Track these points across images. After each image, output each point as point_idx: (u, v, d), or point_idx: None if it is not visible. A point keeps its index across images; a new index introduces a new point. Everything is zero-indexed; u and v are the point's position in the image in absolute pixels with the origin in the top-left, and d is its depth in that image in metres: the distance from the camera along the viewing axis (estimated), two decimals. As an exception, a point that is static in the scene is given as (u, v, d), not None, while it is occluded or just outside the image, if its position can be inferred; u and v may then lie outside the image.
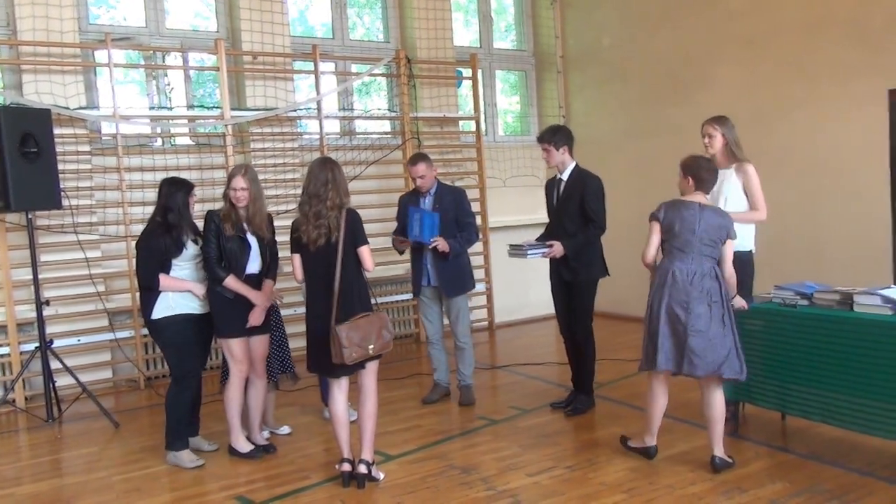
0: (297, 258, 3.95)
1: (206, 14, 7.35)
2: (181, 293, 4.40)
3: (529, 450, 4.45)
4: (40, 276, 5.76)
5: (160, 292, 4.35)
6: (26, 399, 5.93)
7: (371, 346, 3.80)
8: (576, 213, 5.03)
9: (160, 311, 4.36)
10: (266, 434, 4.87)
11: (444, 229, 5.16)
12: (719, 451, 3.95)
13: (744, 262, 4.58)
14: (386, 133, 8.03)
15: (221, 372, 4.76)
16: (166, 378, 6.48)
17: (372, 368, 3.98)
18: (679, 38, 7.50)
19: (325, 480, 4.10)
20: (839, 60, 6.10)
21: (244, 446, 4.52)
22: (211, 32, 7.23)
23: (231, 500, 3.92)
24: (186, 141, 7.06)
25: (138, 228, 6.32)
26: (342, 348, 3.68)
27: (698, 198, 4.05)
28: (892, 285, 4.20)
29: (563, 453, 4.35)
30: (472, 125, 8.40)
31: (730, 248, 4.03)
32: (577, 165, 5.16)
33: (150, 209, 6.18)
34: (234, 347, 4.38)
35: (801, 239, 6.34)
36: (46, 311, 5.65)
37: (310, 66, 7.44)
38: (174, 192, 4.43)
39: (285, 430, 4.99)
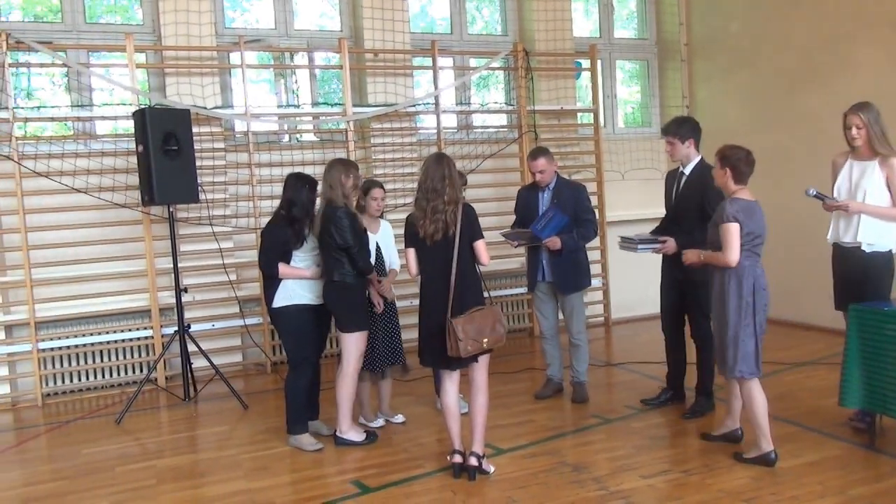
0: (411, 252, 4.04)
1: (331, 14, 7.61)
2: (300, 283, 4.61)
3: (644, 451, 4.35)
4: (179, 265, 6.22)
5: (280, 281, 4.58)
6: (166, 379, 6.40)
7: (485, 340, 3.84)
8: (694, 209, 4.83)
9: (280, 299, 4.60)
10: (381, 422, 5.03)
11: (562, 228, 5.12)
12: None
13: (884, 262, 4.28)
14: (502, 126, 8.05)
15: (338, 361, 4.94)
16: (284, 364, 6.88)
17: (484, 362, 4.02)
18: (817, 19, 7.03)
19: (437, 470, 4.19)
20: None
21: (356, 435, 4.67)
22: (335, 31, 7.48)
23: (347, 483, 4.08)
24: (311, 137, 7.37)
25: (267, 221, 6.76)
26: (458, 341, 3.74)
27: (746, 193, 4.03)
28: None
29: (679, 456, 4.23)
30: (590, 117, 8.25)
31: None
32: (702, 159, 4.96)
33: (278, 203, 6.60)
34: (360, 341, 4.54)
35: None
36: (185, 298, 6.07)
37: (429, 61, 7.56)
38: (300, 186, 4.64)
39: (399, 418, 5.13)
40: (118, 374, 6.50)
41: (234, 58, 6.84)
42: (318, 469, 4.34)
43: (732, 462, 4.07)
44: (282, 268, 4.56)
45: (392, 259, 5.10)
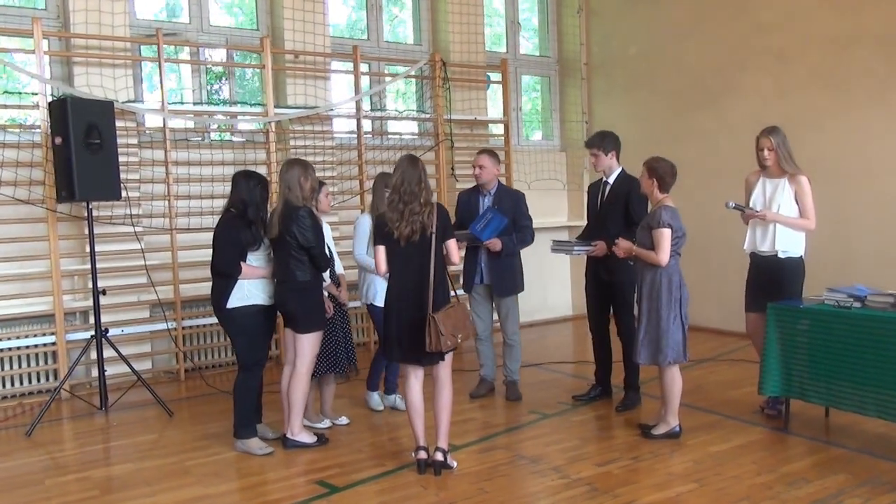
0: (381, 250, 4.09)
1: (247, 12, 7.45)
2: (255, 284, 4.52)
3: (590, 442, 4.63)
4: (85, 267, 5.86)
5: (236, 282, 4.47)
6: (70, 388, 5.98)
7: (460, 336, 3.96)
8: (620, 215, 5.22)
9: (236, 300, 4.48)
10: (327, 423, 5.01)
11: (502, 231, 5.32)
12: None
13: (796, 266, 4.81)
14: (414, 134, 8.19)
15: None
16: (206, 370, 6.64)
17: (448, 359, 4.13)
18: (708, 48, 7.73)
19: (399, 468, 4.24)
20: (871, 73, 6.35)
21: (308, 437, 4.62)
22: (250, 30, 7.33)
23: (313, 484, 4.04)
24: (228, 136, 7.16)
25: (184, 222, 6.51)
26: (440, 336, 3.83)
27: (670, 200, 4.53)
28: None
29: (623, 445, 4.52)
30: (500, 128, 8.58)
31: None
32: (623, 170, 5.36)
33: (196, 203, 6.36)
34: (316, 342, 4.52)
35: (831, 246, 6.53)
36: (88, 302, 5.72)
37: (345, 65, 7.57)
38: (252, 186, 4.55)
39: (344, 420, 5.12)
40: (13, 385, 6.00)
41: (146, 51, 6.55)
42: (275, 472, 4.26)
43: (672, 450, 4.41)
44: (243, 268, 4.45)
45: (337, 260, 5.12)
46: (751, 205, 4.91)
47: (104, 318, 6.19)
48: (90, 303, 5.86)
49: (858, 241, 6.46)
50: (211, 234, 6.35)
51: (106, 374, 5.70)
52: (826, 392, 4.44)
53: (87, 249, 5.73)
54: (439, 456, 4.10)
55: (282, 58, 7.20)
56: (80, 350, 5.62)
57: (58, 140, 5.30)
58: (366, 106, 7.88)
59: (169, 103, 6.47)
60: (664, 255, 4.41)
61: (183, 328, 6.59)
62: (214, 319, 6.54)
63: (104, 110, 5.45)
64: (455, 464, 4.18)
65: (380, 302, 5.19)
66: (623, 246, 4.68)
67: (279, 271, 4.52)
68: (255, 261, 4.55)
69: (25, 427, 5.13)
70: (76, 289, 6.28)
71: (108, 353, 5.66)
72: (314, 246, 4.41)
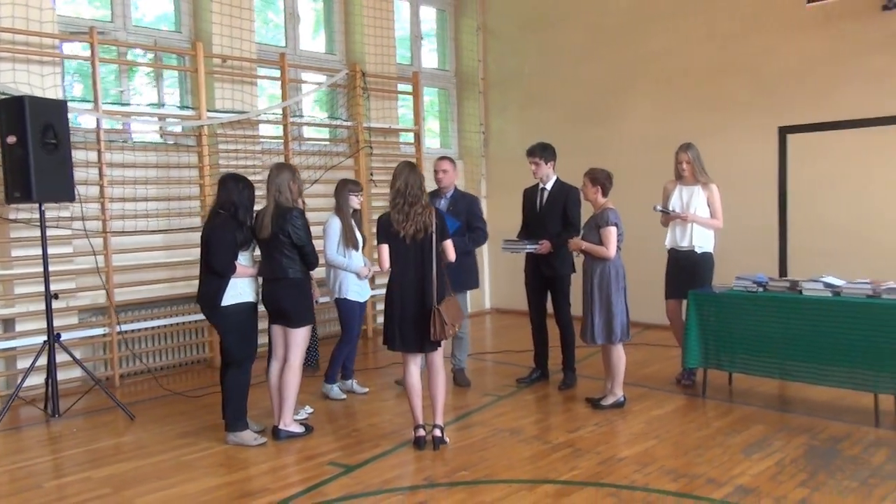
0: (385, 248, 4.48)
1: (169, 16, 7.42)
2: (246, 282, 4.73)
3: (552, 415, 5.28)
4: (13, 272, 5.71)
5: (229, 280, 4.65)
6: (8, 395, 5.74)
7: (456, 325, 4.44)
8: (558, 217, 5.95)
9: (230, 297, 4.66)
10: (304, 414, 5.29)
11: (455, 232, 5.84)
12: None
13: (708, 259, 5.77)
14: (325, 140, 8.49)
15: (268, 357, 5.10)
16: (139, 375, 6.59)
17: (442, 347, 4.60)
18: (599, 71, 8.73)
19: (397, 446, 4.64)
20: (740, 100, 7.58)
21: (297, 428, 4.89)
22: (173, 32, 7.33)
23: (326, 465, 4.35)
24: (157, 138, 7.12)
25: (118, 224, 6.44)
26: (444, 325, 4.29)
27: (611, 204, 5.31)
28: (829, 275, 5.52)
29: (581, 416, 5.21)
30: (411, 136, 9.10)
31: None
32: (558, 178, 6.08)
33: (130, 206, 6.33)
34: (308, 335, 4.80)
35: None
36: (35, 307, 5.57)
37: (269, 71, 7.76)
38: (241, 188, 4.75)
39: (309, 409, 5.40)
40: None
41: (70, 49, 6.40)
42: (282, 459, 4.50)
43: (623, 416, 5.17)
44: (238, 267, 4.64)
45: None
46: (670, 208, 5.80)
47: (30, 326, 6.04)
48: (31, 308, 5.70)
49: (732, 238, 7.64)
50: (143, 238, 6.43)
51: (48, 379, 5.56)
52: (739, 362, 5.40)
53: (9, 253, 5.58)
54: (437, 432, 4.56)
55: (209, 62, 7.27)
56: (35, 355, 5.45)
57: (11, 139, 5.15)
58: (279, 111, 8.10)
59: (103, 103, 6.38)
60: (613, 249, 5.17)
61: (118, 334, 6.48)
62: (151, 323, 6.64)
63: (60, 109, 5.36)
64: (448, 440, 4.65)
65: (353, 296, 5.57)
66: (575, 243, 5.38)
67: (269, 270, 4.76)
68: (243, 260, 4.76)
69: (-21, 437, 4.94)
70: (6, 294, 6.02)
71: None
72: (306, 244, 4.71)
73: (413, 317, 4.43)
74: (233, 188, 4.75)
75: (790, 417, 5.04)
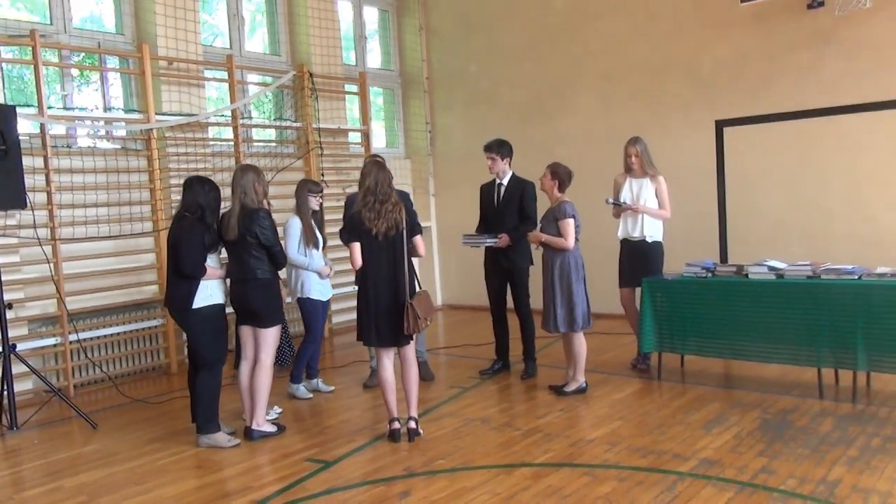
0: (356, 246, 4.55)
1: (106, 15, 7.27)
2: (215, 284, 4.73)
3: (518, 403, 5.44)
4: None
5: (199, 283, 4.64)
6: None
7: (428, 319, 4.55)
8: (515, 211, 6.12)
9: (201, 300, 4.65)
10: (277, 412, 5.31)
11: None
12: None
13: (658, 248, 6.04)
14: (273, 142, 8.46)
15: (235, 358, 5.10)
16: (94, 385, 6.47)
17: (413, 340, 4.70)
18: (543, 69, 8.96)
19: (372, 440, 4.72)
20: (678, 95, 7.92)
21: (270, 427, 4.92)
22: (114, 34, 7.19)
23: (304, 462, 4.39)
24: (106, 144, 6.97)
25: (67, 231, 6.30)
26: (417, 319, 4.39)
27: (567, 197, 5.51)
28: (770, 260, 5.84)
29: (546, 402, 5.39)
30: (359, 136, 9.15)
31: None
32: (514, 174, 6.25)
33: (80, 212, 6.21)
34: (278, 335, 4.82)
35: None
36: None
37: (215, 73, 7.68)
38: (207, 191, 4.74)
39: (278, 409, 5.42)
40: None
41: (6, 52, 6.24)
42: (259, 458, 4.52)
43: (586, 401, 5.36)
44: (207, 269, 4.63)
45: None
46: (621, 200, 6.04)
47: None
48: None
49: (674, 226, 7.97)
50: (92, 244, 6.32)
51: (5, 391, 5.41)
52: (692, 344, 5.68)
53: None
54: (412, 424, 4.66)
55: (155, 64, 7.15)
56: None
57: (-42, 146, 4.99)
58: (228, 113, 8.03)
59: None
60: (571, 241, 5.36)
61: (71, 343, 6.33)
62: (104, 332, 6.51)
63: (8, 115, 5.22)
64: (422, 431, 4.75)
65: (315, 295, 5.61)
66: (535, 235, 5.55)
67: (237, 270, 4.76)
68: (211, 262, 4.75)
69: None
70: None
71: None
72: (273, 244, 4.73)
73: (387, 312, 4.52)
74: (199, 190, 4.73)
75: (742, 394, 5.34)
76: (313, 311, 5.68)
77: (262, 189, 4.87)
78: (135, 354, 6.91)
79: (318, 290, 5.65)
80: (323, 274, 5.67)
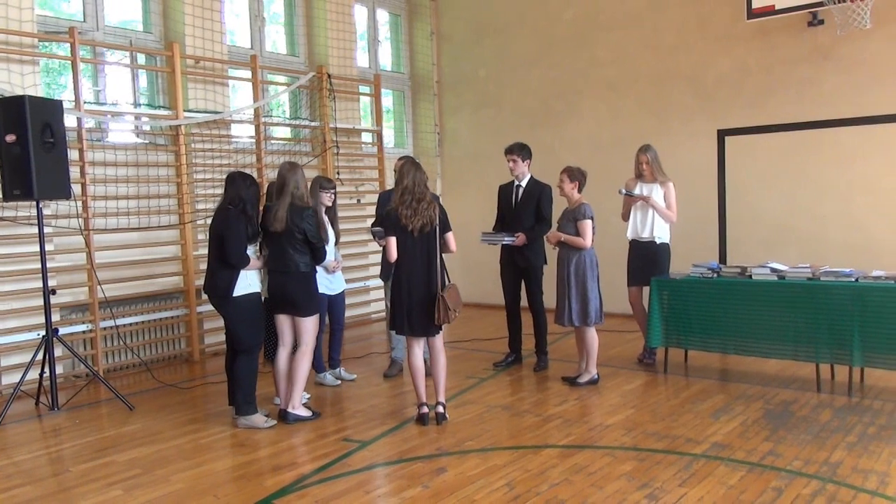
0: (393, 240, 4.85)
1: (138, 15, 7.52)
2: (252, 274, 5.02)
3: (534, 393, 5.76)
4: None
5: (239, 272, 4.92)
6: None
7: (458, 311, 4.86)
8: (532, 212, 6.44)
9: (241, 288, 4.93)
10: (307, 396, 5.58)
11: None
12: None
13: (666, 249, 6.39)
14: (291, 140, 8.74)
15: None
16: (123, 370, 6.72)
17: (442, 331, 5.01)
18: (551, 75, 9.31)
19: (401, 424, 5.02)
20: (682, 105, 8.29)
21: (305, 412, 5.20)
22: (145, 34, 7.44)
23: (342, 441, 4.68)
24: (133, 138, 7.22)
25: (100, 222, 6.55)
26: (447, 311, 4.70)
27: (585, 199, 5.83)
28: (769, 262, 6.21)
29: (561, 392, 5.71)
30: (372, 136, 9.45)
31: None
32: (532, 176, 6.57)
33: (112, 204, 6.46)
34: (317, 323, 5.11)
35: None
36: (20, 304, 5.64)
37: (239, 72, 7.96)
38: (248, 185, 5.02)
39: (307, 395, 5.67)
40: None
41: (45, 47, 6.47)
42: (297, 438, 4.80)
43: (598, 391, 5.70)
44: (251, 259, 4.92)
45: None
46: (634, 192, 6.38)
47: (16, 323, 6.10)
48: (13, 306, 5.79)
49: (676, 229, 8.34)
50: (121, 235, 6.54)
51: (46, 374, 5.65)
52: (697, 340, 6.03)
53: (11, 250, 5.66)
54: (440, 409, 4.97)
55: (183, 62, 7.41)
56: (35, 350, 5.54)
57: (10, 138, 5.23)
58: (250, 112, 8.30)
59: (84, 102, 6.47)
60: (589, 241, 5.69)
61: (102, 329, 6.58)
62: (132, 319, 6.76)
63: (56, 109, 5.47)
64: (448, 416, 5.06)
65: (321, 289, 5.72)
66: (554, 235, 5.87)
67: (278, 262, 5.04)
68: (250, 253, 5.04)
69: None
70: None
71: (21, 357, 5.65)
72: (318, 241, 5.03)
73: (419, 303, 4.82)
74: (241, 185, 5.01)
75: (744, 387, 5.69)
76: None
77: (305, 186, 5.16)
78: (159, 343, 7.17)
79: (325, 284, 5.81)
80: (329, 268, 5.89)
